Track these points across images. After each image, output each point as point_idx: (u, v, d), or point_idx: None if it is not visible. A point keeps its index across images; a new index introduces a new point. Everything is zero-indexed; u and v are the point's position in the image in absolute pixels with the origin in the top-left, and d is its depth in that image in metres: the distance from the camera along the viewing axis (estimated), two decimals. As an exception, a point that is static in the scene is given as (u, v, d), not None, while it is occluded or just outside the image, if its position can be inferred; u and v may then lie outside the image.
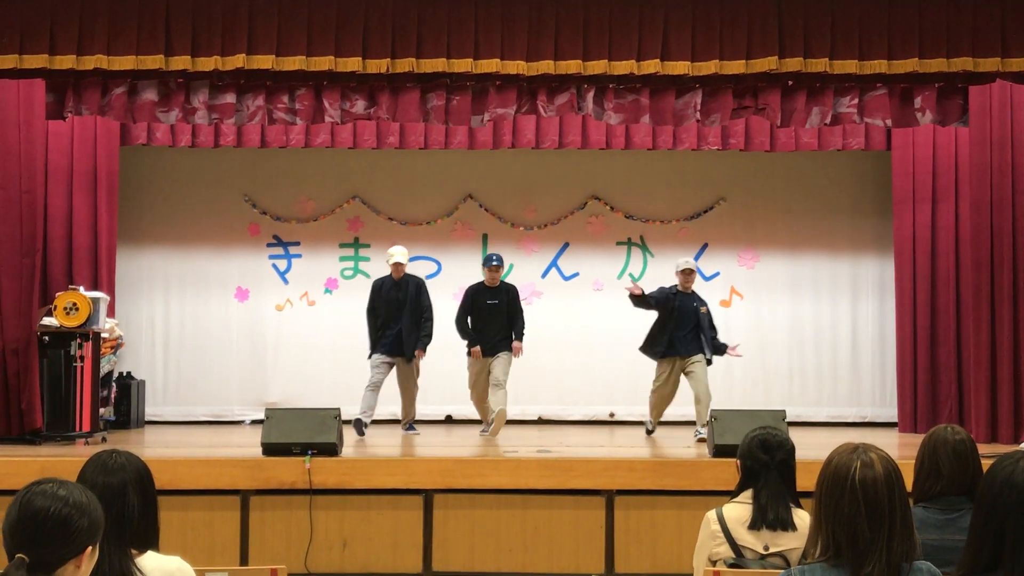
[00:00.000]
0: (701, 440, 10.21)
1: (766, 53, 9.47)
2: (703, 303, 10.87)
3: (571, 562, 8.31)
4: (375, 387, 10.90)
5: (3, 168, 9.97)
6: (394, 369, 10.99)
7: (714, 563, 4.65)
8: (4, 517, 2.81)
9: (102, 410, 10.94)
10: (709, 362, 10.76)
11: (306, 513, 8.20)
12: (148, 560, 3.51)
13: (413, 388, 11.09)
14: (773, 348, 13.33)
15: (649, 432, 10.97)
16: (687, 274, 10.80)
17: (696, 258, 13.34)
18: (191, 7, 9.42)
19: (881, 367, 13.22)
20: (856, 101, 9.87)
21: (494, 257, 11.13)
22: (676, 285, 10.84)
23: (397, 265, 11.03)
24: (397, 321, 10.91)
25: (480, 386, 10.95)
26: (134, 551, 3.49)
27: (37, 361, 9.87)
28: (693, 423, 10.68)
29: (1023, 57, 9.44)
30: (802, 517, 4.61)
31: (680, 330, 10.69)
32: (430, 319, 10.99)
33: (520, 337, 11.00)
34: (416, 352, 10.92)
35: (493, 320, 10.93)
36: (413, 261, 13.20)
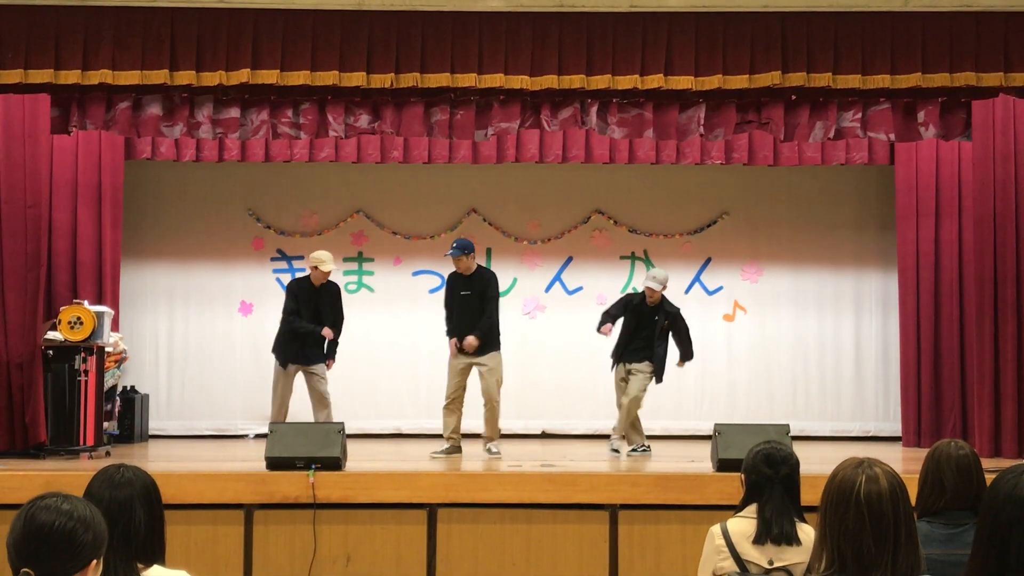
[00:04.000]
0: (614, 451, 10.38)
1: (769, 68, 9.49)
2: (668, 317, 10.65)
3: (575, 576, 8.31)
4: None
5: (8, 182, 10.00)
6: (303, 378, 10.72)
7: (718, 578, 4.65)
8: (8, 532, 2.82)
9: (106, 424, 10.94)
10: (656, 377, 10.59)
11: (310, 527, 8.20)
12: (154, 574, 3.52)
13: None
14: (777, 362, 13.32)
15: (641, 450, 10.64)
16: (649, 290, 10.71)
17: (699, 272, 13.36)
18: (196, 22, 9.46)
19: (885, 381, 13.20)
20: (859, 116, 9.88)
21: (453, 243, 10.53)
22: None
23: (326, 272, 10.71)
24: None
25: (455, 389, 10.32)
26: (140, 565, 3.50)
27: (41, 375, 9.88)
28: (694, 437, 10.65)
29: (1026, 71, 9.48)
30: (806, 532, 4.61)
31: (635, 338, 10.61)
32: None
33: (479, 334, 10.18)
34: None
35: (465, 312, 10.31)
36: (416, 275, 13.24)
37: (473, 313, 10.29)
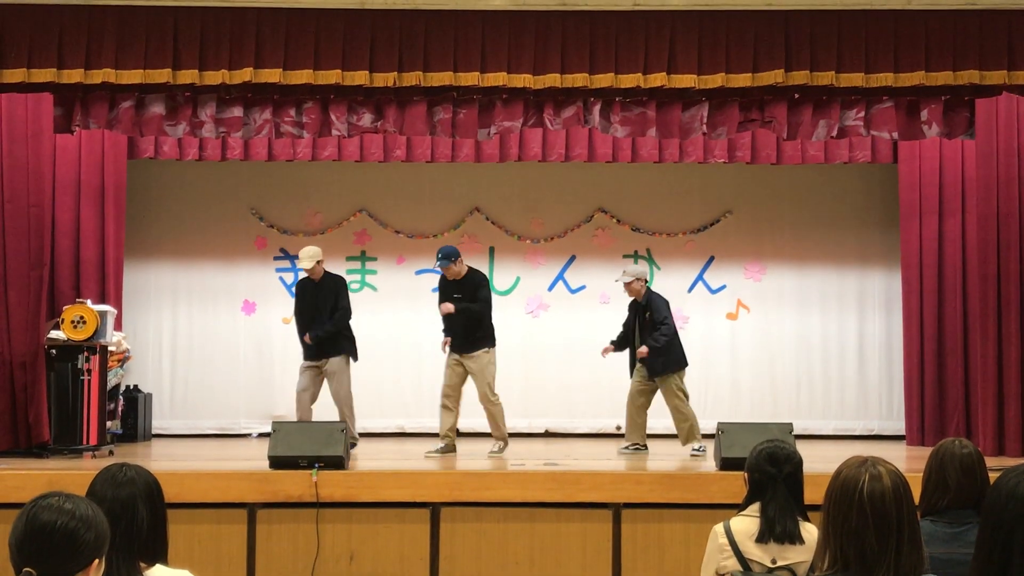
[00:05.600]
0: (695, 455, 10.24)
1: (772, 66, 9.48)
2: (648, 308, 10.63)
3: (578, 575, 8.30)
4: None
5: (11, 182, 10.00)
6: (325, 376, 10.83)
7: (722, 576, 4.65)
8: (11, 531, 2.82)
9: (109, 423, 10.95)
10: (676, 366, 10.58)
11: (313, 526, 8.20)
12: (156, 573, 3.52)
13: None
14: (780, 361, 13.31)
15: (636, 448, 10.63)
16: (625, 287, 10.78)
17: (702, 271, 13.35)
18: (199, 21, 9.45)
19: (888, 380, 13.19)
20: (862, 114, 9.87)
21: (437, 255, 10.49)
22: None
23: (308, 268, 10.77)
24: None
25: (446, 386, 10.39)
26: (143, 564, 3.50)
27: (44, 374, 9.89)
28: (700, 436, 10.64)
29: (1030, 70, 9.47)
30: (810, 530, 4.61)
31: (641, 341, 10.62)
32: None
33: (460, 311, 10.28)
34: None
35: (457, 315, 10.32)
36: (419, 274, 13.23)
37: (465, 315, 10.33)
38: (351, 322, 10.88)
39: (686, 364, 10.69)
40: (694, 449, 10.26)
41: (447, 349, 10.44)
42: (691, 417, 10.46)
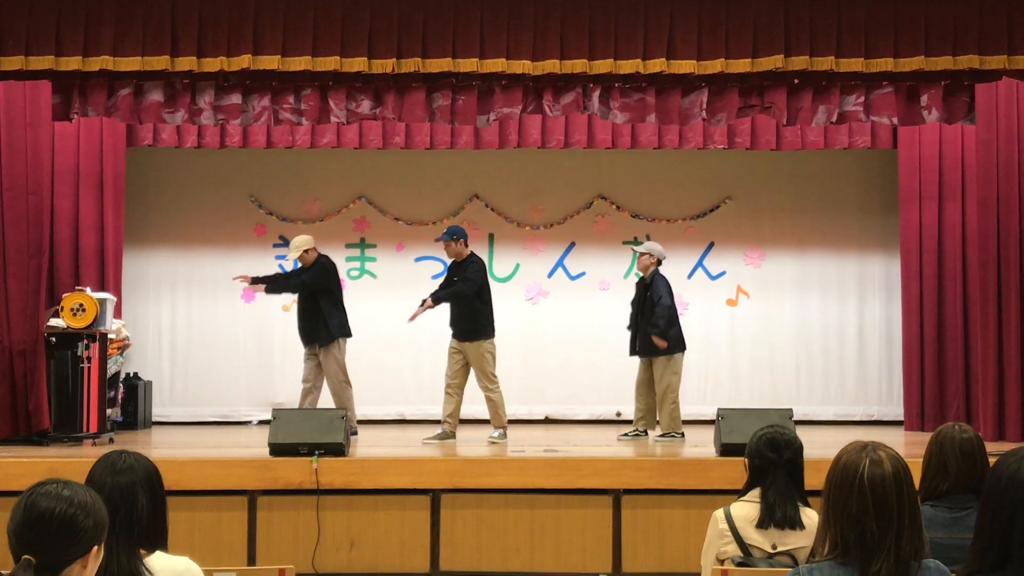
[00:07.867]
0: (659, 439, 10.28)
1: (772, 52, 9.47)
2: (650, 288, 10.61)
3: (578, 561, 8.31)
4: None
5: (9, 170, 9.99)
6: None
7: (722, 562, 4.65)
8: (9, 518, 2.81)
9: (109, 411, 10.94)
10: (675, 349, 10.54)
11: (313, 513, 8.21)
12: (156, 560, 3.52)
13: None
14: (780, 347, 13.31)
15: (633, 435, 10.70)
16: (639, 259, 10.79)
17: (702, 257, 13.34)
18: (197, 8, 9.43)
19: (888, 365, 13.19)
20: (862, 99, 9.86)
21: (445, 229, 10.61)
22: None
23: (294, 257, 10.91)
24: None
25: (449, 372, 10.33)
26: (142, 551, 3.50)
27: (44, 362, 9.88)
28: (697, 422, 10.65)
29: (1030, 55, 9.45)
30: (810, 516, 4.61)
31: (642, 322, 10.62)
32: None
33: (435, 298, 10.27)
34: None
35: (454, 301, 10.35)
36: (419, 261, 13.23)
37: (458, 299, 10.29)
38: (346, 308, 10.99)
39: (684, 348, 10.66)
40: (660, 435, 10.35)
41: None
42: (676, 402, 10.48)
